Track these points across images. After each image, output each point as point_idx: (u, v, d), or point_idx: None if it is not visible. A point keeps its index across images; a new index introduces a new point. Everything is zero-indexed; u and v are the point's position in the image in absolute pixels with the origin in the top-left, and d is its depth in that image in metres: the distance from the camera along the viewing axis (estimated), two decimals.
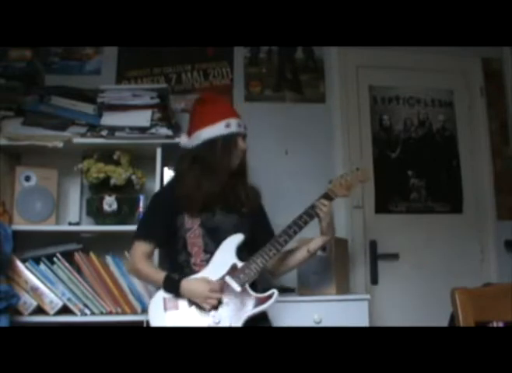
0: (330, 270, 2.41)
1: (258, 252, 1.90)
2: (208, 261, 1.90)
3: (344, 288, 2.47)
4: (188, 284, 1.84)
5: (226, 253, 1.90)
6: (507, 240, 2.92)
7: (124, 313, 2.31)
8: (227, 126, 1.97)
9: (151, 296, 2.31)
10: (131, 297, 2.34)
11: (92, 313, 2.29)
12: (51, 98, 2.46)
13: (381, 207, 2.91)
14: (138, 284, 2.36)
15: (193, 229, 1.94)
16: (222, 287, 1.84)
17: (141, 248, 1.96)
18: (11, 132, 2.37)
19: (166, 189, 2.10)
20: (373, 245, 2.79)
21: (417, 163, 3.00)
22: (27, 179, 2.43)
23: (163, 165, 2.43)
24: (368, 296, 2.40)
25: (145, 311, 2.31)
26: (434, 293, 2.66)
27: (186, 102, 2.82)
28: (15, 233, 2.25)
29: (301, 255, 2.03)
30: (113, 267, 2.37)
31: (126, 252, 2.38)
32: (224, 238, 1.92)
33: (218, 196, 1.94)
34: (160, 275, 1.89)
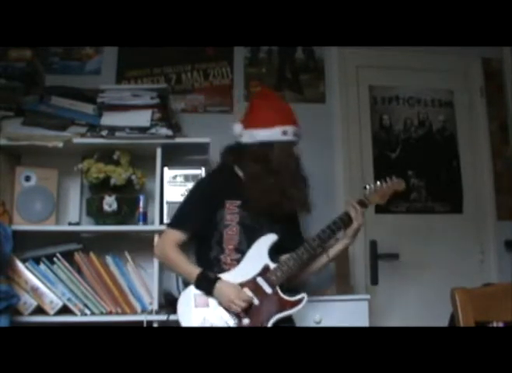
0: (330, 270, 2.41)
1: (291, 254, 1.89)
2: (238, 261, 1.89)
3: (344, 288, 2.47)
4: (221, 285, 1.82)
5: (259, 253, 1.89)
6: (507, 240, 2.92)
7: (124, 313, 2.31)
8: (284, 133, 1.93)
9: (152, 295, 2.33)
10: (131, 297, 2.34)
11: (92, 313, 2.28)
12: (51, 98, 2.46)
13: (381, 207, 2.89)
14: (138, 284, 2.36)
15: (231, 225, 1.92)
16: (253, 287, 1.84)
17: (174, 236, 1.94)
18: (11, 132, 2.37)
19: (209, 180, 2.06)
20: (373, 245, 2.78)
21: (417, 163, 3.00)
22: (27, 179, 2.43)
23: (163, 165, 2.43)
24: (368, 296, 2.40)
25: (144, 311, 2.32)
26: (434, 293, 2.66)
27: (186, 102, 2.82)
28: (15, 233, 2.25)
29: (321, 262, 2.01)
30: (113, 267, 2.37)
31: (126, 252, 2.39)
32: (257, 237, 1.90)
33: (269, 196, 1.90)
34: (193, 269, 1.87)
